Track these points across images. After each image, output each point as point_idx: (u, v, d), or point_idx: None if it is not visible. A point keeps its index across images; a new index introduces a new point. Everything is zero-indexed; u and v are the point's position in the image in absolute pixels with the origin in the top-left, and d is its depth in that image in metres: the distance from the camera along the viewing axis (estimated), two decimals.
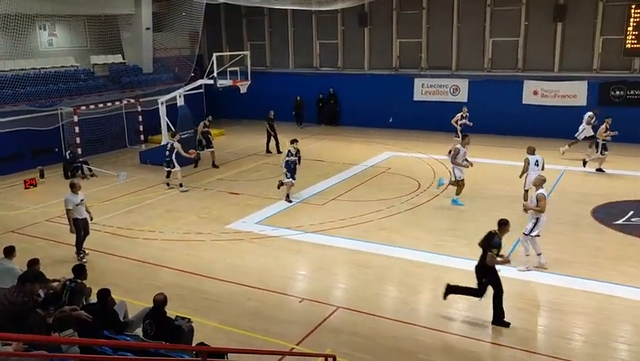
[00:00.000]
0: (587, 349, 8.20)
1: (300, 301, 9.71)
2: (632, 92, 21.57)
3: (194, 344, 7.21)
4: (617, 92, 21.82)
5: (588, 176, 17.38)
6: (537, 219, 10.58)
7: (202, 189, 16.70)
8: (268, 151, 21.22)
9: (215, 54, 19.09)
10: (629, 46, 21.15)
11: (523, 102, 23.41)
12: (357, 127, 25.73)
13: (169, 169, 16.67)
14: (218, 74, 18.88)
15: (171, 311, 7.48)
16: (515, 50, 23.56)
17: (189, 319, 7.62)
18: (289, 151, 15.06)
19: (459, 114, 20.78)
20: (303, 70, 28.03)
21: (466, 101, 24.16)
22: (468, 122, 20.70)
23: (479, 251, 9.00)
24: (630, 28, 20.93)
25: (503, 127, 23.27)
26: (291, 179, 14.96)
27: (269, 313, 9.32)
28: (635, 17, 20.80)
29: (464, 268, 10.57)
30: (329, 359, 7.01)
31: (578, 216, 13.68)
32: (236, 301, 9.77)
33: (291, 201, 15.05)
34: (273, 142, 21.26)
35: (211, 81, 19.11)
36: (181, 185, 16.59)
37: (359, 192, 16.07)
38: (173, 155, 16.46)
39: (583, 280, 10.22)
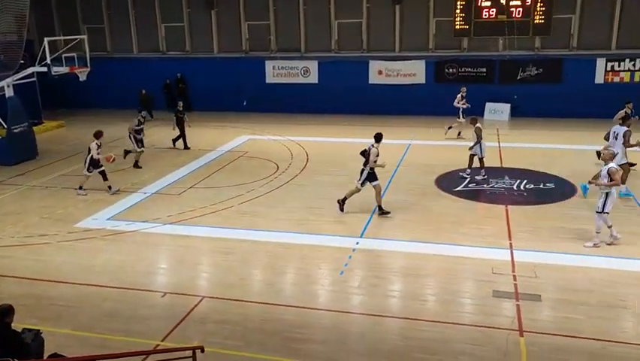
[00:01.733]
0: (438, 307, 8.92)
1: (162, 296, 9.35)
2: (463, 69, 23.66)
3: (45, 356, 6.61)
4: (451, 70, 23.80)
5: (432, 148, 18.81)
6: (607, 194, 10.44)
7: (43, 188, 15.29)
8: (186, 147, 19.04)
9: (46, 39, 17.46)
10: (458, 27, 23.12)
11: (370, 82, 24.61)
12: (210, 112, 25.19)
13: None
14: (52, 60, 17.29)
15: (17, 324, 6.76)
16: (360, 32, 24.60)
17: (38, 330, 6.95)
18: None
19: (459, 95, 19.70)
20: (149, 54, 26.71)
21: (316, 82, 24.84)
22: (465, 105, 19.61)
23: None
24: (458, 11, 22.87)
25: (353, 106, 24.30)
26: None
27: (129, 313, 8.85)
28: (461, 1, 22.75)
29: (329, 244, 10.97)
30: (197, 351, 6.84)
31: (424, 185, 14.77)
32: (90, 303, 9.13)
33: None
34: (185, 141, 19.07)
35: (44, 69, 17.45)
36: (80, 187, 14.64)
37: (217, 179, 15.81)
38: (88, 157, 14.36)
39: (431, 244, 11.09)
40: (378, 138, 12.41)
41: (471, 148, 15.09)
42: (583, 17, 22.09)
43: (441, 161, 16.88)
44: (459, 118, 19.62)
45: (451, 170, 15.96)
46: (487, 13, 22.51)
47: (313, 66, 25.10)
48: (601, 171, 10.77)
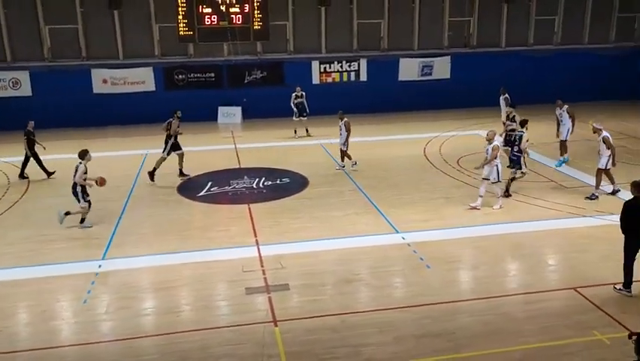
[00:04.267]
0: (194, 316, 8.85)
1: None
2: (192, 75, 23.83)
3: None
4: (180, 76, 23.75)
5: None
6: (497, 166, 12.67)
7: None
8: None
9: None
10: (182, 33, 23.13)
11: (95, 92, 23.02)
12: None
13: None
14: None
15: None
16: (77, 39, 22.80)
17: None
18: None
19: (293, 94, 20.28)
20: None
21: (30, 94, 22.25)
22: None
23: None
24: (180, 17, 22.89)
25: (77, 119, 22.40)
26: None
27: None
28: (182, 7, 22.80)
29: (68, 272, 9.97)
30: None
31: (166, 195, 14.48)
32: None
33: None
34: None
35: None
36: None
37: None
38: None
39: (179, 253, 10.92)
40: (82, 155, 12.15)
41: (343, 144, 15.98)
42: (296, 24, 24.22)
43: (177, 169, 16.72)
44: (295, 117, 20.37)
45: (197, 175, 15.97)
46: (209, 20, 23.02)
47: (24, 77, 22.40)
48: (487, 150, 12.80)
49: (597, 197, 13.45)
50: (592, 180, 14.10)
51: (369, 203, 13.55)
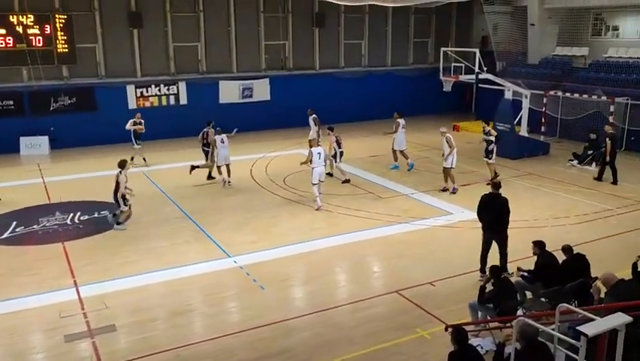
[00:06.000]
0: None
1: None
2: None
3: None
4: None
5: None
6: (312, 169, 14.35)
7: None
8: None
9: None
10: None
11: None
12: None
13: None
14: None
15: None
16: None
17: None
18: None
19: (132, 120, 18.73)
20: None
21: None
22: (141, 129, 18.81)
23: None
24: None
25: None
26: None
27: None
28: None
29: None
30: None
31: None
32: None
33: None
34: None
35: None
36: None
37: None
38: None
39: None
40: (123, 164, 13.18)
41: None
42: (106, 46, 22.96)
43: None
44: (135, 145, 18.86)
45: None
46: (3, 42, 20.81)
47: None
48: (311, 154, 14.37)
49: (456, 190, 15.62)
50: (405, 190, 15.59)
51: (199, 229, 13.27)
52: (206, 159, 17.32)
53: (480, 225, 10.48)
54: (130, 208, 13.50)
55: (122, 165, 13.27)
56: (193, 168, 17.07)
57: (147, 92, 23.70)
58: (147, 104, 23.68)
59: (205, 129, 17.26)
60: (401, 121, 18.11)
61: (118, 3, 22.81)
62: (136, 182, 17.22)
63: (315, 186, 14.48)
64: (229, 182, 16.85)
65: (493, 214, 10.22)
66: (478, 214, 10.47)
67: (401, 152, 18.23)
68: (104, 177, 17.98)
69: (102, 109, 22.67)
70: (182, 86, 24.21)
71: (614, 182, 16.41)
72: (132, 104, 23.33)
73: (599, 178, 16.77)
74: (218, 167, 16.98)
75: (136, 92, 23.44)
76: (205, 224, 13.53)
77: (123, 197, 13.26)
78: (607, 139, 16.63)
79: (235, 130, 17.40)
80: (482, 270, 10.34)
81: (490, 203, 10.31)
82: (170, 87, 24.08)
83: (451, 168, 15.58)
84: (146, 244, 12.40)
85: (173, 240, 12.58)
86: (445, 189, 15.73)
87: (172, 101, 24.14)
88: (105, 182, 17.35)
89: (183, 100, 24.26)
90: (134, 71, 23.54)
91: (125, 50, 23.33)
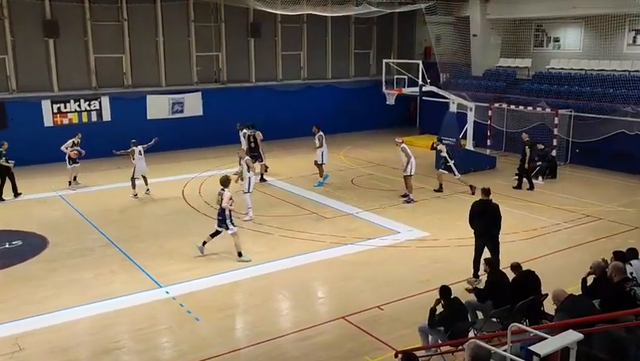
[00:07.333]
0: None
1: None
2: None
3: None
4: None
5: None
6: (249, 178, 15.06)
7: None
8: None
9: None
10: None
11: None
12: None
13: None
14: None
15: None
16: None
17: None
18: None
19: (70, 140, 18.49)
20: None
21: None
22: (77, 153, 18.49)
23: None
24: None
25: None
26: None
27: None
28: None
29: None
30: None
31: None
32: None
33: None
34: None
35: None
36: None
37: None
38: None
39: None
40: (226, 182, 12.69)
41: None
42: (18, 58, 22.14)
43: None
44: (69, 165, 18.53)
45: None
46: None
47: None
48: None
49: (412, 200, 16.54)
50: (350, 209, 15.79)
51: (126, 258, 12.88)
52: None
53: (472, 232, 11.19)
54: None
55: (226, 183, 12.64)
56: None
57: (65, 107, 22.95)
58: (65, 121, 22.93)
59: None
60: (322, 134, 18.77)
61: (31, 10, 22.08)
62: (52, 207, 16.65)
63: (248, 195, 15.10)
64: (147, 189, 17.66)
65: (487, 221, 10.87)
66: (470, 222, 11.11)
67: (321, 165, 18.77)
68: (17, 203, 17.29)
69: (13, 126, 21.73)
70: (106, 100, 23.62)
71: (531, 187, 18.06)
72: (48, 121, 22.55)
73: (519, 186, 18.22)
74: (133, 179, 17.27)
75: (52, 107, 22.66)
76: (133, 252, 13.16)
77: (230, 214, 12.55)
78: (525, 147, 18.10)
79: (155, 139, 17.48)
80: (475, 275, 11.01)
81: (483, 210, 10.94)
82: (92, 102, 23.43)
83: (411, 175, 16.39)
84: (66, 276, 11.90)
85: (98, 270, 12.15)
86: (405, 195, 16.72)
87: (94, 117, 23.48)
88: (16, 209, 16.73)
89: (107, 116, 23.65)
90: (50, 85, 22.79)
91: (39, 62, 22.58)
